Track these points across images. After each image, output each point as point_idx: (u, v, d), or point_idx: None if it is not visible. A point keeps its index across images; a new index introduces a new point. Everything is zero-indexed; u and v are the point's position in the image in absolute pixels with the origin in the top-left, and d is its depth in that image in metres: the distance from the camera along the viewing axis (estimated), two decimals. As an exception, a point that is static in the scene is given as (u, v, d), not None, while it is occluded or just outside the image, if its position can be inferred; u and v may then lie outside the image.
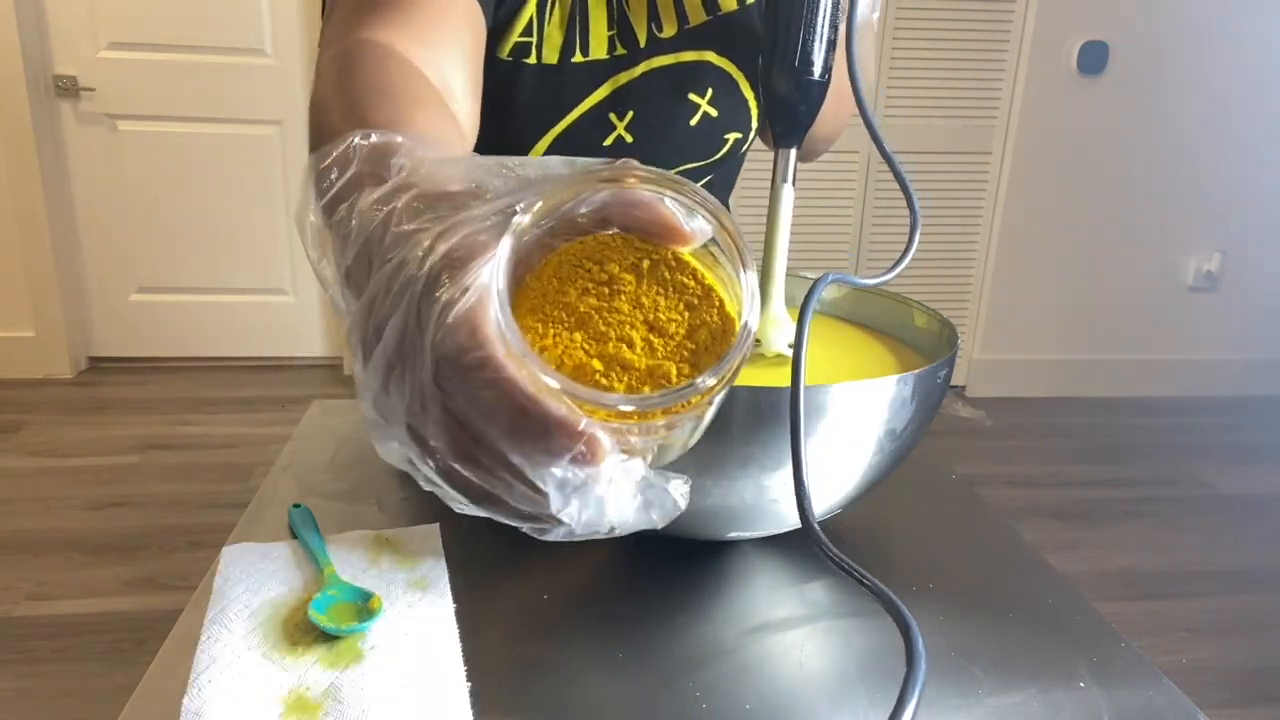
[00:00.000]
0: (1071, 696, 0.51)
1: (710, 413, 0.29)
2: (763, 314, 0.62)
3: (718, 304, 0.29)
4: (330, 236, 0.32)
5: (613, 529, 0.28)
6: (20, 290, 2.91)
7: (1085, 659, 0.54)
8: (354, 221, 0.31)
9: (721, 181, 0.89)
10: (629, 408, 0.27)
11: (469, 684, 0.49)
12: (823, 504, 0.57)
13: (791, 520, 0.58)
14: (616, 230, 0.29)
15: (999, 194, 3.00)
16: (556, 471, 0.26)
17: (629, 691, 0.50)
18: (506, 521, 0.28)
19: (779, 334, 0.62)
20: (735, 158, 0.86)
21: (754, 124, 0.83)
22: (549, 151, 0.71)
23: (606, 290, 0.29)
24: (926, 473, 0.78)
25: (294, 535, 0.63)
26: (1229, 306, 3.19)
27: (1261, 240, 3.13)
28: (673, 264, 0.29)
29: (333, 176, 0.34)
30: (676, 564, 0.62)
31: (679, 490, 0.29)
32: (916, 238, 0.59)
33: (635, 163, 0.29)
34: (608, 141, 0.77)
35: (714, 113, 0.79)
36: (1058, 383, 3.20)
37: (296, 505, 0.66)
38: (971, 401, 3.13)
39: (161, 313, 3.10)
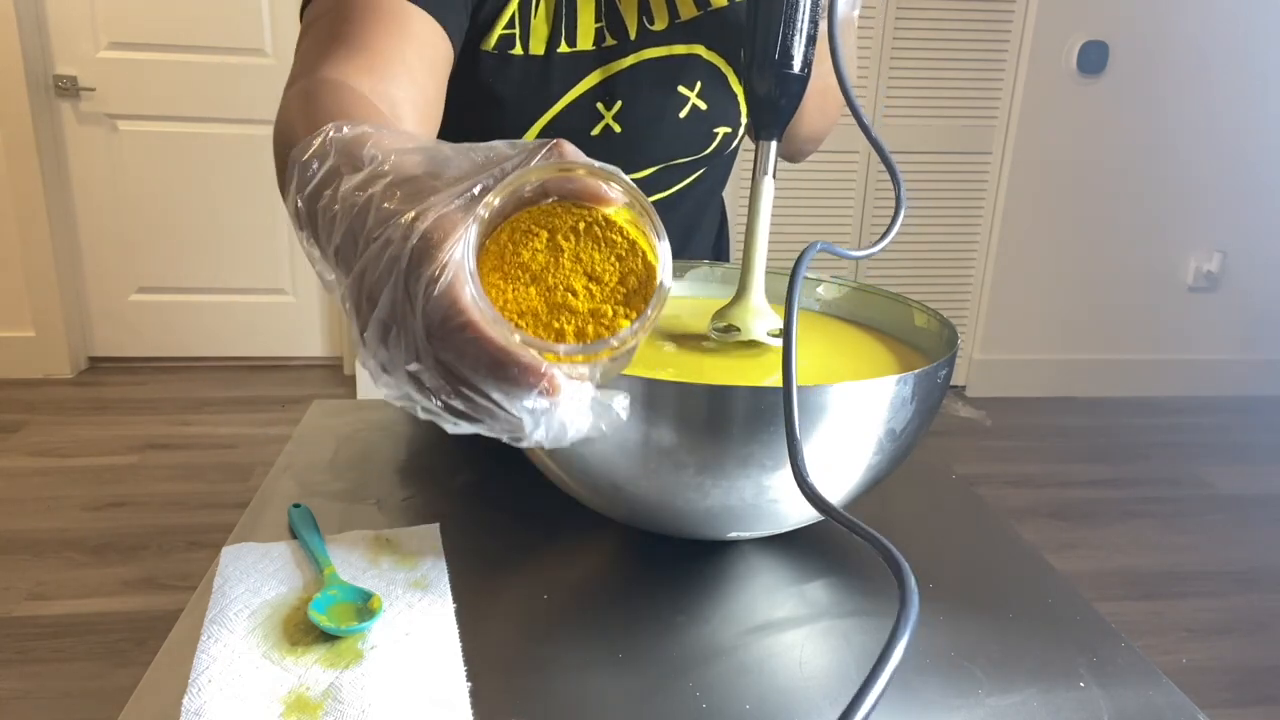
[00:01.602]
0: (1071, 696, 0.51)
1: (638, 343, 0.37)
2: (743, 303, 0.64)
3: (641, 255, 0.35)
4: (318, 219, 0.38)
5: (573, 439, 0.35)
6: (20, 290, 2.91)
7: (1085, 659, 0.54)
8: (338, 206, 0.37)
9: (713, 177, 0.89)
10: (577, 354, 0.34)
11: (469, 684, 0.49)
12: (823, 504, 0.57)
13: (791, 520, 0.58)
14: (555, 199, 0.35)
15: (999, 194, 3.00)
16: (527, 403, 0.33)
17: (629, 691, 0.50)
18: (491, 435, 0.35)
19: (759, 323, 0.63)
20: (726, 154, 0.87)
21: (743, 119, 0.83)
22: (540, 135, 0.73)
23: (552, 249, 0.35)
24: (926, 473, 0.78)
25: (294, 535, 0.63)
26: (1229, 306, 3.19)
27: (1261, 240, 3.13)
28: (603, 224, 0.35)
29: (314, 167, 0.39)
30: (676, 564, 0.62)
31: (621, 404, 0.36)
32: (902, 214, 0.61)
33: (567, 144, 0.35)
34: (595, 131, 0.77)
35: (703, 106, 0.80)
36: (1058, 383, 3.20)
37: (296, 505, 0.66)
38: (971, 401, 3.13)
39: (161, 313, 3.10)
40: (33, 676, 1.64)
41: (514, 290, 0.35)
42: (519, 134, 0.75)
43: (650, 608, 0.57)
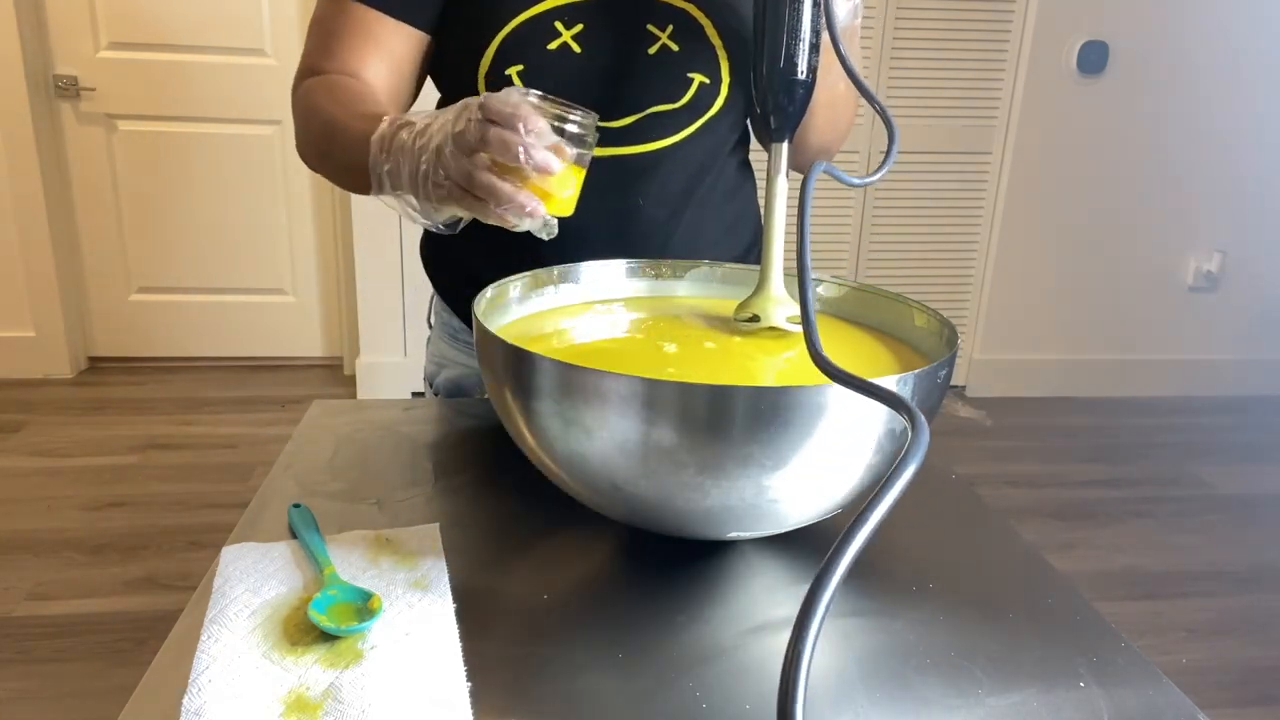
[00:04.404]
0: (1071, 696, 0.51)
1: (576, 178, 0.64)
2: (764, 294, 0.71)
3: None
4: (397, 167, 0.65)
5: (537, 228, 0.62)
6: (20, 290, 2.91)
7: (1085, 659, 0.54)
8: (405, 145, 0.65)
9: (707, 145, 0.88)
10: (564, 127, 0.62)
11: (469, 684, 0.49)
12: (822, 505, 0.58)
13: (792, 520, 0.58)
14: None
15: (999, 194, 3.00)
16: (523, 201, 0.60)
17: (629, 691, 0.50)
18: (505, 218, 0.61)
19: (778, 310, 0.69)
20: (714, 116, 0.86)
21: (724, 75, 0.84)
22: (501, 46, 0.82)
23: None
24: (926, 473, 0.78)
25: (294, 535, 0.63)
26: (1229, 306, 3.19)
27: (1261, 240, 3.13)
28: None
29: (384, 165, 0.67)
30: (676, 564, 0.62)
31: (553, 225, 0.63)
32: (895, 150, 0.70)
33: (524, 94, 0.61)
34: (552, 46, 0.80)
35: (674, 47, 0.82)
36: (1058, 383, 3.20)
37: (296, 505, 0.66)
38: (971, 401, 3.13)
39: (161, 313, 3.10)
40: (33, 676, 1.64)
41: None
42: (486, 40, 0.82)
43: (650, 608, 0.57)
